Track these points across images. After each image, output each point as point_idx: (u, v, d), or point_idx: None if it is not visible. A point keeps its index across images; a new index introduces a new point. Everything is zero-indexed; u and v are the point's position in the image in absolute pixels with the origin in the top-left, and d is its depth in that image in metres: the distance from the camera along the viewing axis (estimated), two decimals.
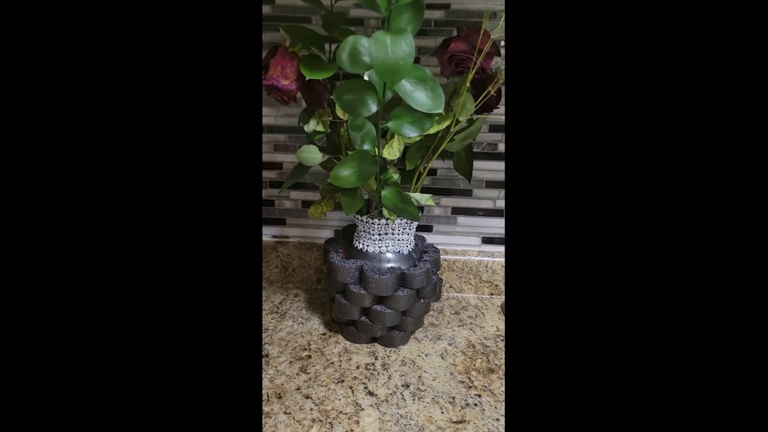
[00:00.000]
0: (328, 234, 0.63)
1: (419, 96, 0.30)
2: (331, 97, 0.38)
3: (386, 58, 0.26)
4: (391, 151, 0.40)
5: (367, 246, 0.49)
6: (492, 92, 0.37)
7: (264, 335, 0.51)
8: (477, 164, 0.58)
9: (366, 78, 0.33)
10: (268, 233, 0.63)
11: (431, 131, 0.39)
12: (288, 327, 0.53)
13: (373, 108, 0.33)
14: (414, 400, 0.42)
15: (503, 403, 0.42)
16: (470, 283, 0.62)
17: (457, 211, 0.61)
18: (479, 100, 0.38)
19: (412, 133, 0.35)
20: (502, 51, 0.41)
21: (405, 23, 0.26)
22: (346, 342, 0.51)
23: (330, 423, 0.39)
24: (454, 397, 0.42)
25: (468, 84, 0.36)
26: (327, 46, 0.41)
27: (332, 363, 0.47)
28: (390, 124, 0.36)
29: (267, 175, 0.61)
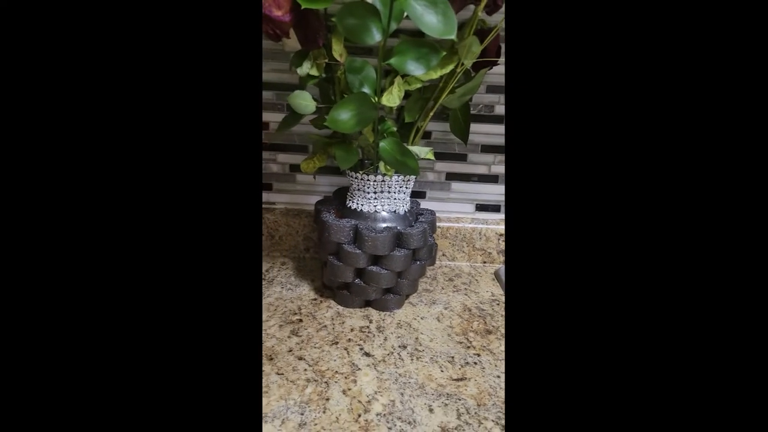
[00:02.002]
0: (316, 200, 0.60)
1: (430, 19, 0.27)
2: (334, 36, 0.35)
3: None
4: (391, 98, 0.38)
5: (362, 205, 0.46)
6: (499, 31, 0.35)
7: None
8: (473, 127, 0.57)
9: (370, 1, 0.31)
10: None
11: (434, 75, 0.37)
12: (276, 293, 0.50)
13: (377, 36, 0.31)
14: (412, 359, 0.40)
15: (503, 362, 0.41)
16: (463, 251, 0.61)
17: (451, 176, 0.60)
18: (486, 40, 0.36)
19: (417, 71, 0.33)
20: None
21: None
22: (339, 306, 0.48)
23: (326, 382, 0.37)
24: (453, 357, 0.41)
25: (479, 14, 0.34)
26: None
27: (325, 326, 0.45)
28: (393, 61, 0.33)
29: None
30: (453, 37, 0.28)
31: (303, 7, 0.32)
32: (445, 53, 0.33)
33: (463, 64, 0.37)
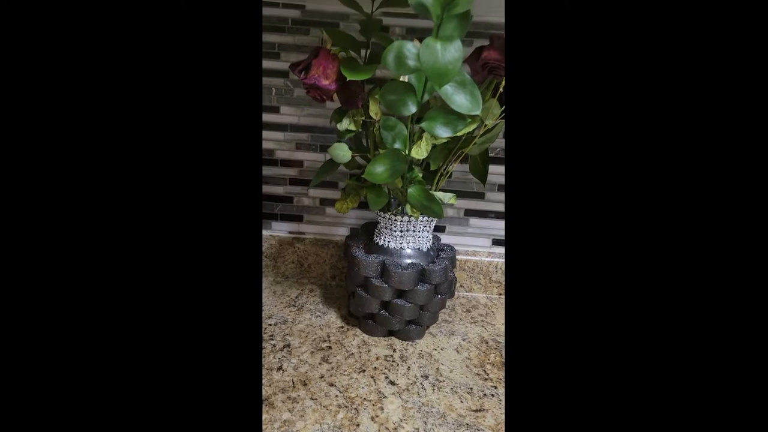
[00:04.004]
0: (343, 231, 0.65)
1: (459, 98, 0.32)
2: (371, 98, 0.40)
3: (436, 62, 0.28)
4: (419, 151, 0.43)
5: (389, 242, 0.51)
6: None
7: (284, 326, 0.53)
8: (490, 168, 0.61)
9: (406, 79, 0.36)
10: (285, 229, 0.65)
11: (460, 133, 0.42)
12: (306, 320, 0.55)
13: (413, 109, 0.35)
14: (434, 389, 0.44)
15: None
16: (480, 283, 0.64)
17: (470, 213, 0.64)
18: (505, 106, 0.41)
19: (444, 134, 0.38)
20: None
21: (452, 31, 0.28)
22: (364, 335, 0.52)
23: (356, 409, 0.40)
24: (471, 388, 0.44)
25: (501, 89, 0.38)
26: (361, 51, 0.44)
27: (352, 354, 0.48)
28: (424, 125, 0.38)
29: (287, 172, 0.62)
30: (478, 113, 0.33)
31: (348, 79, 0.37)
32: (470, 119, 0.37)
33: (486, 125, 0.42)
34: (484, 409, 0.41)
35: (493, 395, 0.43)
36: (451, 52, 0.28)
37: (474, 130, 0.44)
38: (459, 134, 0.42)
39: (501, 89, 0.39)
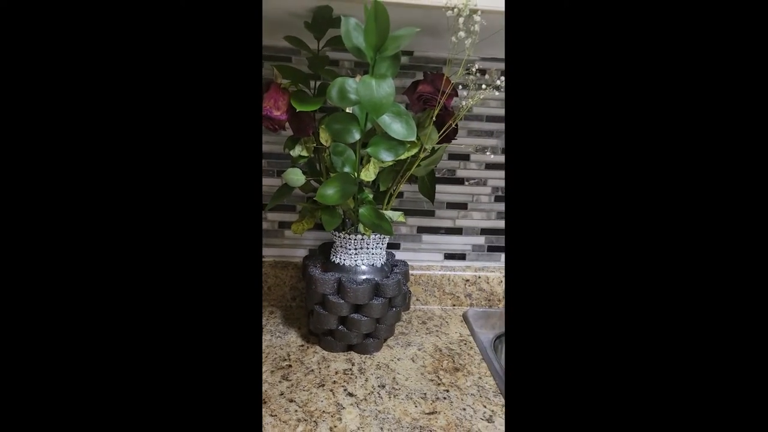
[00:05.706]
0: (302, 253, 0.67)
1: (396, 127, 0.36)
2: (321, 126, 0.44)
3: (372, 97, 0.32)
4: (368, 174, 0.47)
5: (344, 260, 0.54)
6: (453, 126, 0.45)
7: None
8: (438, 188, 0.66)
9: (350, 111, 0.40)
10: None
11: (402, 156, 0.46)
12: (267, 340, 0.55)
13: (356, 136, 0.39)
14: (390, 397, 0.46)
15: (469, 396, 0.47)
16: (434, 296, 0.68)
17: (422, 230, 0.68)
18: (442, 131, 0.46)
19: (388, 158, 0.42)
20: (460, 92, 0.49)
21: (385, 70, 0.33)
22: (324, 351, 0.54)
23: (315, 421, 0.42)
24: (425, 393, 0.47)
25: (433, 118, 0.43)
26: (311, 83, 0.48)
27: (312, 370, 0.50)
28: (369, 150, 0.42)
29: None
30: (414, 139, 0.37)
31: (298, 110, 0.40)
32: (409, 144, 0.42)
33: (425, 148, 0.46)
34: (436, 412, 0.44)
35: (445, 398, 0.46)
36: (384, 88, 0.32)
37: (417, 153, 0.49)
38: (402, 158, 0.46)
39: (434, 118, 0.44)
